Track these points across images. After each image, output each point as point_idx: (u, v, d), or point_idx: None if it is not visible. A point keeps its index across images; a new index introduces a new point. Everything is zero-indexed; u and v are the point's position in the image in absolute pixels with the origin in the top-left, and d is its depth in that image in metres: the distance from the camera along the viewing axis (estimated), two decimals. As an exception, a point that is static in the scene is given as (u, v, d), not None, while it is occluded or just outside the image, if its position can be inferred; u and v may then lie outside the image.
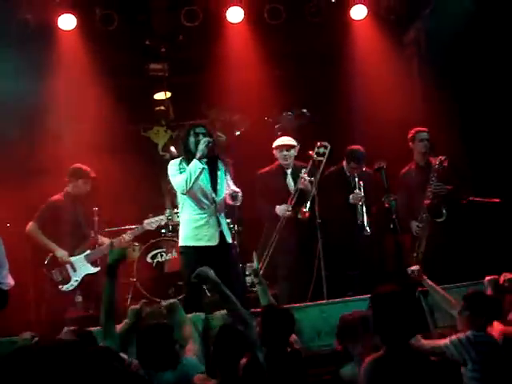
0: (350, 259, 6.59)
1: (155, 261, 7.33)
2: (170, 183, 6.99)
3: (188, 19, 7.53)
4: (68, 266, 6.44)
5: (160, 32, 7.75)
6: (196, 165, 5.41)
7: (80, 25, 7.52)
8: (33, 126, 7.80)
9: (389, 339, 3.54)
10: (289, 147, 6.65)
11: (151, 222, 6.79)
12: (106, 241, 6.67)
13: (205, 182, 5.52)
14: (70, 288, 6.44)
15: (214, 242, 5.47)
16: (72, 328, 4.46)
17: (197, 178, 5.40)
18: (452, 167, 6.63)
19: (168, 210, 7.33)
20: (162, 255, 7.34)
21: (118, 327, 4.65)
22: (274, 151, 6.74)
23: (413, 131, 6.80)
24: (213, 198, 5.50)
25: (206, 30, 7.70)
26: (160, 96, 8.39)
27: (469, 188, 6.69)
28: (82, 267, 6.48)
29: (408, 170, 6.87)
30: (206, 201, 5.51)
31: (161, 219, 6.91)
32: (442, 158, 6.56)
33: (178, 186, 5.50)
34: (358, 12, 7.79)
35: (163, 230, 7.38)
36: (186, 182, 5.39)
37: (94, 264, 6.55)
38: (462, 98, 7.48)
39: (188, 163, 5.48)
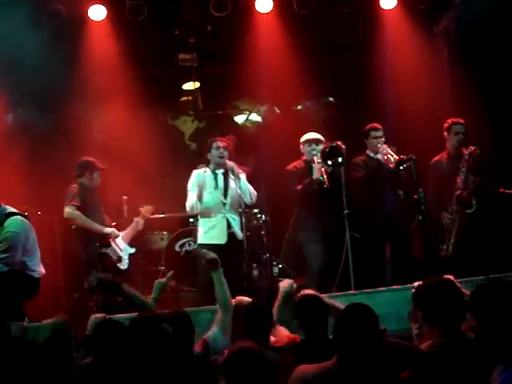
0: (378, 251, 6.57)
1: (183, 249, 7.38)
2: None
3: (217, 9, 7.54)
4: (115, 246, 6.54)
5: (189, 22, 7.77)
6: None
7: (110, 15, 7.59)
8: (63, 114, 7.91)
9: (448, 328, 3.39)
10: (317, 141, 6.65)
11: (146, 211, 6.87)
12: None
13: (218, 188, 6.29)
14: (126, 266, 6.58)
15: (223, 241, 6.19)
16: (101, 315, 4.53)
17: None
18: (482, 158, 6.58)
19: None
20: (190, 244, 7.39)
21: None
22: (302, 146, 6.74)
23: (449, 121, 6.72)
24: (223, 202, 6.28)
25: (234, 20, 7.70)
26: (189, 86, 8.42)
27: (498, 179, 6.64)
28: (125, 246, 6.64)
29: (440, 158, 6.83)
30: (217, 206, 6.27)
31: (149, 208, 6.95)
32: (473, 148, 6.51)
33: (187, 206, 6.31)
34: (388, 1, 7.73)
35: (191, 220, 7.42)
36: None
37: (131, 244, 6.72)
38: (492, 89, 7.40)
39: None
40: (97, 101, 7.91)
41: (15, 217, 5.57)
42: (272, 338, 4.26)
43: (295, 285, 4.97)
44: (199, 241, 6.38)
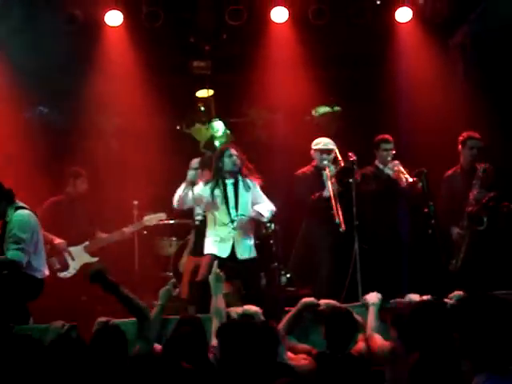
0: (388, 264, 6.54)
1: (192, 256, 7.36)
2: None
3: (232, 18, 7.57)
4: (66, 255, 6.77)
5: (204, 30, 7.82)
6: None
7: (126, 21, 7.63)
8: (79, 119, 7.97)
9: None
10: (330, 152, 6.64)
11: (150, 219, 7.09)
12: (103, 235, 7.01)
13: (226, 200, 5.98)
14: (68, 275, 6.80)
15: (225, 255, 5.94)
16: (105, 319, 4.55)
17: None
18: (496, 174, 6.54)
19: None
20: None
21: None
22: (313, 152, 6.73)
23: (465, 135, 6.67)
24: (231, 218, 5.96)
25: (250, 30, 7.73)
26: (202, 94, 8.45)
27: (510, 196, 6.59)
28: (80, 256, 6.83)
29: (453, 173, 6.78)
30: (224, 220, 5.96)
31: (160, 216, 7.17)
32: (487, 165, 6.48)
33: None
34: (403, 14, 7.71)
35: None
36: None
37: (93, 254, 6.91)
38: (507, 104, 7.37)
39: (214, 184, 5.99)
40: (111, 106, 7.96)
41: (24, 211, 5.53)
42: (290, 354, 4.29)
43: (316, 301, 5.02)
44: (206, 251, 6.07)
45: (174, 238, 7.48)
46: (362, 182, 6.51)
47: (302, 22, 7.72)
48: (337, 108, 8.26)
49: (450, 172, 6.82)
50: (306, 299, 5.10)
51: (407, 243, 6.60)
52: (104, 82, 7.63)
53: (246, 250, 6.05)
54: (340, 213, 6.10)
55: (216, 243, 5.97)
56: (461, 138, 6.69)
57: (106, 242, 6.98)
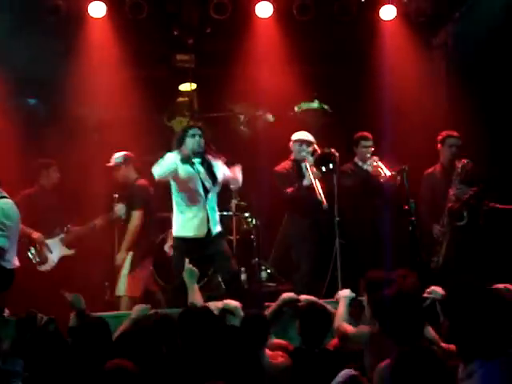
0: (368, 261, 6.55)
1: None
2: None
3: (217, 12, 7.54)
4: (44, 248, 6.74)
5: (188, 23, 7.76)
6: (174, 159, 5.65)
7: (109, 13, 7.56)
8: (60, 112, 7.90)
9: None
10: (308, 143, 6.64)
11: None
12: (76, 228, 6.96)
13: (198, 176, 5.75)
14: (48, 268, 6.76)
15: (202, 235, 5.76)
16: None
17: (168, 172, 5.66)
18: (475, 171, 6.59)
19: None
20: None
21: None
22: (292, 144, 6.73)
23: (444, 134, 6.75)
24: (205, 193, 5.75)
25: (234, 24, 7.70)
26: (185, 87, 8.40)
27: (491, 193, 6.65)
28: (57, 249, 6.80)
29: (433, 171, 6.85)
30: (195, 196, 5.76)
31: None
32: (465, 161, 6.53)
33: (154, 171, 5.74)
34: (387, 12, 7.74)
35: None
36: (161, 170, 5.69)
37: (70, 246, 6.88)
38: (489, 103, 7.42)
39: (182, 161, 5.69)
40: (93, 97, 7.89)
41: (9, 200, 5.59)
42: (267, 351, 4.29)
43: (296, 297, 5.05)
44: (175, 233, 5.88)
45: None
46: (340, 177, 6.52)
47: (287, 17, 7.72)
48: (326, 106, 8.24)
49: (429, 170, 6.88)
50: (286, 294, 5.12)
51: (387, 239, 6.61)
52: (86, 74, 7.58)
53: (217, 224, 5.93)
54: (321, 191, 6.11)
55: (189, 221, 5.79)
56: (440, 136, 6.77)
57: (80, 233, 6.91)
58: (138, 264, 6.64)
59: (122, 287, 6.58)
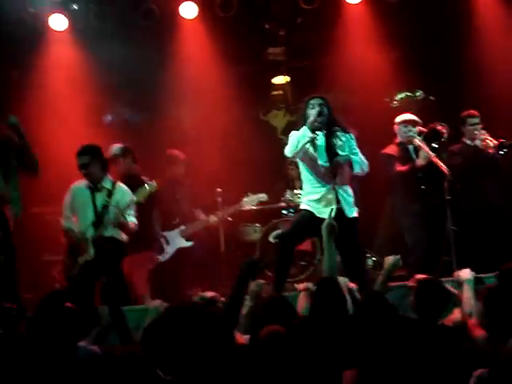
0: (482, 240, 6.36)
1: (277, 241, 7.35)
2: (290, 165, 7.16)
3: (306, 2, 7.55)
4: (162, 240, 6.93)
5: (279, 15, 7.81)
6: (303, 132, 5.26)
7: (201, 12, 7.72)
8: (157, 113, 8.12)
9: None
10: (414, 123, 6.54)
11: (251, 200, 7.00)
12: (202, 216, 7.10)
13: (319, 152, 5.33)
14: (163, 259, 6.92)
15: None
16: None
17: (304, 145, 5.23)
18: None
19: (288, 192, 7.39)
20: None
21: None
22: (397, 127, 6.62)
23: None
24: (326, 169, 5.28)
25: (324, 13, 7.68)
26: (279, 80, 8.46)
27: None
28: (175, 240, 6.93)
29: None
30: (320, 173, 5.33)
31: (261, 197, 7.09)
32: None
33: (286, 151, 5.36)
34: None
35: (284, 211, 7.43)
36: (291, 146, 5.26)
37: (188, 239, 6.99)
38: None
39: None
40: (189, 98, 8.07)
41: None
42: None
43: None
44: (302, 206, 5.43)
45: (257, 224, 7.48)
46: (448, 157, 6.38)
47: (378, 1, 7.64)
48: (418, 93, 8.10)
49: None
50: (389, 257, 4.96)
51: (501, 215, 6.41)
52: (181, 75, 7.77)
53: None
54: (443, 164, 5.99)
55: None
56: None
57: (201, 225, 7.07)
58: None
59: None
